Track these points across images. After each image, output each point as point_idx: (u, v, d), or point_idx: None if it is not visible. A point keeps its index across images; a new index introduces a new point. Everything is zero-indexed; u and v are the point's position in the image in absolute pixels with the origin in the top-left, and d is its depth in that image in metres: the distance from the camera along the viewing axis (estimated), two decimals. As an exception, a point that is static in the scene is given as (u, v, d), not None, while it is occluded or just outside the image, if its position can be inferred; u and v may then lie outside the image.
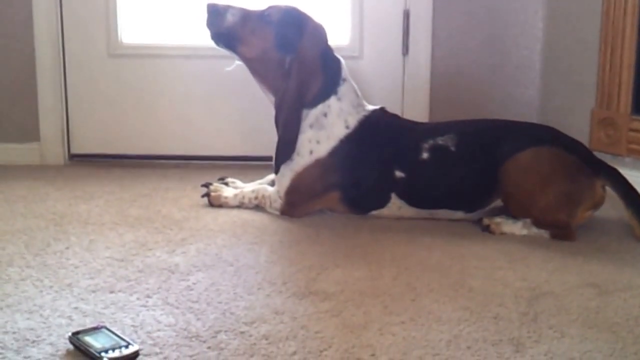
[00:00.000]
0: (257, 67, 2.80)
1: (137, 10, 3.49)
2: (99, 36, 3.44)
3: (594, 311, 2.03)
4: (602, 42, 3.22)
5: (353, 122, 2.77)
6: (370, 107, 2.85)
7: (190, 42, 3.45)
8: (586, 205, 2.61)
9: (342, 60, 2.83)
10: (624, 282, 2.23)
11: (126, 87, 3.47)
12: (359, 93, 2.84)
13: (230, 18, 2.75)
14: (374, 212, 2.81)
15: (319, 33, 2.79)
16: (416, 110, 3.49)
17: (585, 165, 2.62)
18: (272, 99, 2.82)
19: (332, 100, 2.77)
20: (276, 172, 2.79)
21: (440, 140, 2.73)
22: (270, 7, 2.79)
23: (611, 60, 3.19)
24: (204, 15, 2.77)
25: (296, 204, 2.78)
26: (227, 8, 2.76)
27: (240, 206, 2.87)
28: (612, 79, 3.20)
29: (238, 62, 2.83)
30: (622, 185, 2.58)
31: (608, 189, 2.62)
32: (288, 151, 2.73)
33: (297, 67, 2.71)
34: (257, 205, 2.86)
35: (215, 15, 2.76)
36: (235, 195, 2.89)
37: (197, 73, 3.46)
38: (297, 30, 2.74)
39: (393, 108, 3.01)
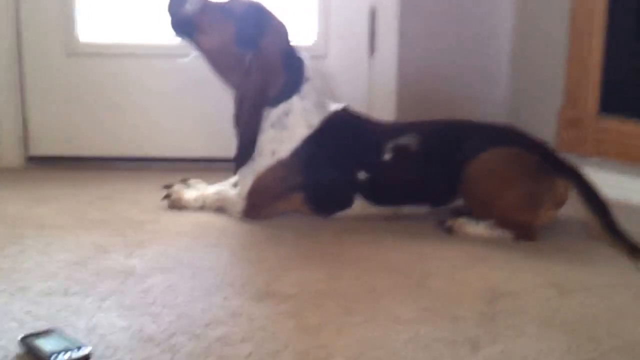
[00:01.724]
0: (216, 60, 2.80)
1: (95, 8, 3.47)
2: (56, 35, 3.43)
3: (552, 311, 2.08)
4: (570, 42, 3.27)
5: (316, 121, 2.80)
6: (333, 107, 2.88)
7: (151, 41, 3.45)
8: (548, 205, 2.65)
9: (306, 59, 2.85)
10: (583, 282, 2.28)
11: (85, 88, 3.47)
12: (323, 92, 2.87)
13: (189, 7, 2.75)
14: (338, 214, 2.84)
15: (281, 31, 2.81)
16: (383, 111, 3.52)
17: (547, 165, 2.66)
18: (232, 91, 2.84)
19: (295, 100, 2.79)
20: (235, 173, 2.82)
21: (402, 140, 2.77)
22: (232, 0, 2.80)
23: (578, 60, 3.24)
24: (165, 2, 2.78)
25: (258, 205, 2.81)
26: None
27: (201, 208, 2.89)
28: (580, 79, 3.25)
29: (195, 54, 2.84)
30: (584, 186, 2.62)
31: (570, 188, 2.66)
32: (248, 152, 2.76)
33: (257, 65, 2.73)
34: (219, 208, 2.89)
35: (175, 2, 2.77)
36: (197, 197, 2.90)
37: (159, 72, 3.45)
38: (259, 26, 2.75)
39: (359, 108, 3.03)
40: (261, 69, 2.74)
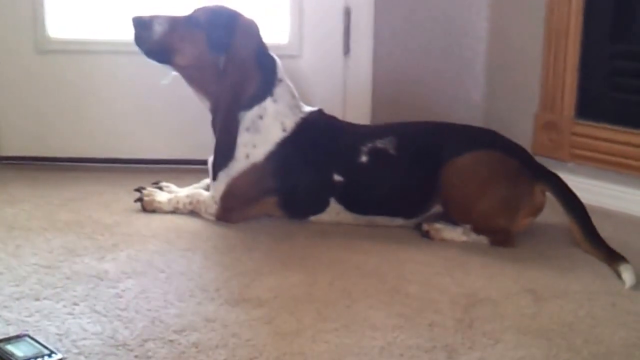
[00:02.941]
0: (193, 74, 2.80)
1: (66, 3, 3.44)
2: (26, 31, 3.39)
3: (530, 317, 2.09)
4: (545, 45, 3.29)
5: (290, 124, 2.80)
6: (308, 109, 2.87)
7: (124, 37, 3.41)
8: (526, 211, 2.67)
9: (278, 59, 2.85)
10: (561, 288, 2.29)
11: (56, 86, 3.44)
12: (296, 94, 2.87)
13: (158, 28, 2.73)
14: (313, 218, 2.84)
15: (251, 29, 2.80)
16: (358, 112, 3.52)
17: (525, 170, 2.67)
18: (208, 104, 2.83)
19: (268, 102, 2.79)
20: (214, 179, 2.81)
21: (379, 143, 2.77)
22: (196, 10, 2.78)
23: (554, 63, 3.26)
24: (131, 31, 2.76)
25: (232, 209, 2.81)
26: (153, 18, 2.74)
27: (174, 211, 2.88)
28: (556, 82, 3.26)
29: (174, 74, 2.83)
30: (563, 191, 2.64)
31: (548, 194, 2.68)
32: (227, 156, 2.75)
33: (231, 66, 2.72)
34: (192, 211, 2.88)
35: (142, 28, 2.74)
36: (170, 200, 2.90)
37: (132, 71, 3.41)
38: (228, 28, 2.73)
39: (334, 109, 3.04)
40: (235, 70, 2.73)
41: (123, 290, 2.18)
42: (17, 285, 2.19)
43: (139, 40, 2.76)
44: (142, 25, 2.75)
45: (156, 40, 2.74)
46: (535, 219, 2.73)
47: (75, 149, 3.49)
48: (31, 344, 1.81)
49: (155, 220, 2.80)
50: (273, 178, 2.78)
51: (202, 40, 2.74)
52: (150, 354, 1.84)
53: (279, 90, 2.81)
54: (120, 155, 3.51)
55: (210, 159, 2.83)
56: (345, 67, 3.57)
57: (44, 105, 3.46)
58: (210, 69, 2.76)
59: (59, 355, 1.77)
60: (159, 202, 2.89)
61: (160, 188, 3.01)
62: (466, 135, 2.80)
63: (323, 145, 2.81)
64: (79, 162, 3.50)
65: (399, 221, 2.82)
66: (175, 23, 2.76)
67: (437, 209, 2.77)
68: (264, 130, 2.77)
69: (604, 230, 2.60)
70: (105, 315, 2.02)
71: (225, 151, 2.75)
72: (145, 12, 2.78)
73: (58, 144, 3.48)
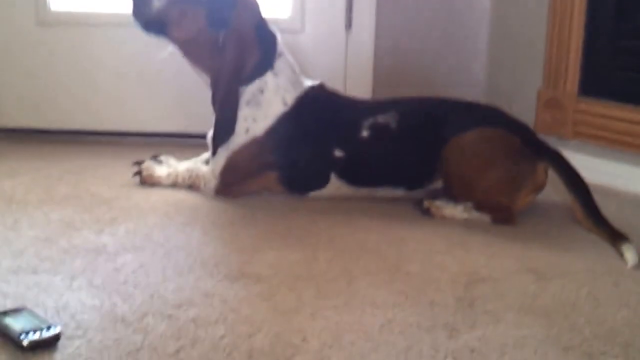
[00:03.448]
0: (191, 49, 2.77)
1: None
2: (26, 3, 3.39)
3: (531, 297, 2.08)
4: (550, 20, 3.27)
5: (291, 99, 2.78)
6: (309, 83, 2.86)
7: (126, 10, 3.39)
8: (528, 189, 2.65)
9: (278, 34, 2.83)
10: (562, 267, 2.28)
11: (57, 58, 3.43)
12: (297, 68, 2.85)
13: (156, 3, 2.71)
14: (313, 193, 2.84)
15: (252, 4, 2.78)
16: (359, 87, 3.51)
17: (527, 148, 2.66)
18: (207, 79, 2.82)
19: (269, 76, 2.77)
20: (214, 154, 2.79)
21: (381, 119, 2.76)
22: None
23: (559, 39, 3.24)
24: (129, 6, 2.73)
25: (231, 184, 2.80)
26: None
27: (173, 185, 2.87)
28: (560, 59, 3.25)
29: (171, 49, 2.80)
30: (565, 169, 2.62)
31: (551, 172, 2.67)
32: (227, 131, 2.73)
33: (231, 42, 2.70)
34: (191, 185, 2.87)
35: (140, 2, 2.72)
36: (169, 174, 2.89)
37: (132, 44, 3.41)
38: (228, 3, 2.71)
39: (335, 84, 3.03)
40: (235, 45, 2.71)
41: (122, 265, 2.17)
42: (15, 259, 2.18)
43: (137, 15, 2.73)
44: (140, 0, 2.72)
45: (154, 14, 2.71)
46: (537, 197, 2.72)
47: (74, 121, 3.49)
48: (29, 317, 1.80)
49: (154, 194, 2.79)
50: (273, 153, 2.77)
51: (202, 16, 2.71)
52: (149, 328, 1.83)
53: (279, 64, 2.80)
54: (120, 128, 3.51)
55: (210, 133, 2.82)
56: (347, 41, 3.55)
57: (44, 77, 3.45)
58: (210, 44, 2.73)
59: (57, 329, 1.76)
60: (158, 176, 2.88)
61: (160, 162, 2.99)
62: (468, 112, 2.79)
63: (324, 120, 2.80)
64: (78, 134, 3.50)
65: (400, 192, 2.81)
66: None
67: (437, 184, 2.77)
68: (264, 104, 2.76)
69: (607, 209, 2.59)
70: (103, 290, 2.01)
71: (225, 126, 2.73)
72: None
73: (57, 116, 3.47)
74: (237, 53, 2.71)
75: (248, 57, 2.74)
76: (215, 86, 2.77)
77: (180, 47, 2.78)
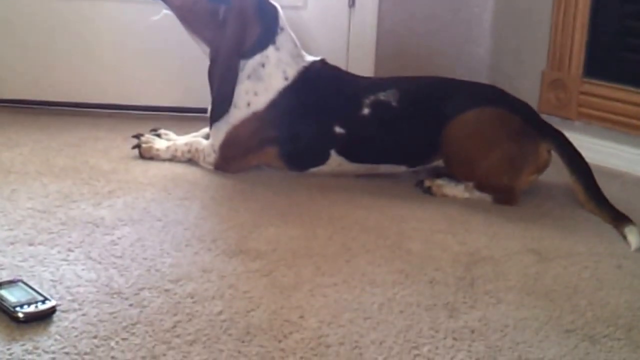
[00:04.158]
0: (188, 17, 2.75)
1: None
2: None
3: (533, 278, 2.06)
4: (555, 1, 3.24)
5: (292, 73, 2.76)
6: (311, 58, 2.83)
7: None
8: (530, 169, 2.63)
9: (279, 8, 2.80)
10: (565, 249, 2.26)
11: (56, 30, 3.40)
12: (298, 43, 2.82)
13: None
14: (313, 169, 2.81)
15: None
16: (361, 65, 3.48)
17: (530, 128, 2.64)
18: (206, 49, 2.79)
19: (270, 50, 2.75)
20: (211, 128, 2.77)
21: (382, 96, 2.73)
22: None
23: (564, 20, 3.21)
24: None
25: (231, 158, 2.77)
26: None
27: (172, 159, 2.84)
28: (564, 39, 3.22)
29: (166, 12, 2.77)
30: (568, 150, 2.60)
31: (553, 153, 2.65)
32: (224, 105, 2.71)
33: (232, 17, 2.68)
34: (190, 159, 2.84)
35: None
36: (168, 147, 2.86)
37: (132, 17, 3.38)
38: None
39: (337, 62, 2.99)
40: (236, 20, 2.69)
41: (119, 238, 2.15)
42: (11, 230, 2.16)
43: None
44: None
45: None
46: (540, 178, 2.70)
47: (74, 94, 3.45)
48: (24, 289, 1.78)
49: (153, 167, 2.76)
50: (274, 127, 2.75)
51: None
52: (145, 302, 1.81)
53: (281, 39, 2.77)
54: (119, 102, 3.47)
55: (209, 108, 2.80)
56: (350, 19, 3.52)
57: (44, 49, 3.41)
58: (208, 16, 2.71)
59: (53, 302, 1.74)
60: (157, 150, 2.86)
61: (159, 135, 2.97)
62: (471, 92, 2.76)
63: (325, 96, 2.78)
64: (78, 107, 3.46)
65: (402, 168, 2.80)
66: None
67: (439, 162, 2.74)
68: (266, 78, 2.73)
69: (610, 191, 2.57)
70: (100, 263, 1.99)
71: (223, 101, 2.70)
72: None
73: (57, 88, 3.44)
74: (237, 27, 2.69)
75: (249, 31, 2.72)
76: (213, 61, 2.74)
77: (176, 12, 2.76)
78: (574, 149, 2.60)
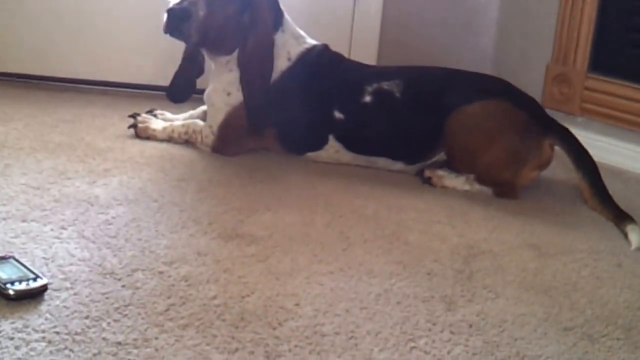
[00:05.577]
0: (213, 37, 2.68)
1: None
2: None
3: (532, 273, 2.05)
4: (563, -4, 3.23)
5: (294, 53, 2.76)
6: (313, 42, 2.83)
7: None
8: (533, 164, 2.62)
9: None
10: (565, 245, 2.25)
11: (55, 4, 3.37)
12: (297, 27, 2.83)
13: (200, 13, 2.60)
14: (310, 154, 2.79)
15: None
16: (364, 53, 3.45)
17: (534, 122, 2.62)
18: (222, 60, 2.76)
19: (279, 34, 2.75)
20: (250, 113, 2.71)
21: (385, 85, 2.72)
22: None
23: (571, 15, 3.19)
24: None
25: (230, 140, 2.75)
26: (191, 4, 2.59)
27: (169, 140, 2.82)
28: (570, 34, 3.20)
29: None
30: (573, 146, 2.59)
31: (557, 148, 2.63)
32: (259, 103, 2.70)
33: (257, 16, 2.67)
34: (187, 140, 2.82)
35: (176, 19, 2.60)
36: (164, 128, 2.84)
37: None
38: None
39: (340, 49, 2.98)
40: (261, 16, 2.68)
41: (113, 217, 2.13)
42: (4, 205, 2.14)
43: (174, 31, 2.63)
44: (183, 15, 2.59)
45: (200, 28, 2.62)
46: (542, 173, 2.69)
47: (71, 69, 3.43)
48: (16, 266, 1.76)
49: (149, 148, 2.74)
50: (273, 109, 2.72)
51: (233, 9, 2.67)
52: (138, 284, 1.79)
53: (286, 22, 2.78)
54: (116, 79, 3.45)
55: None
56: (355, 7, 3.51)
57: (41, 23, 3.38)
58: (235, 26, 2.69)
59: (44, 280, 1.73)
60: (154, 130, 2.83)
61: (155, 116, 2.94)
62: (475, 84, 2.74)
63: (326, 79, 2.77)
64: (75, 83, 3.44)
65: (399, 165, 2.77)
66: (210, 4, 2.63)
67: (440, 156, 2.72)
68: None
69: (612, 189, 2.56)
70: (93, 242, 1.98)
71: (258, 98, 2.69)
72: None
73: (54, 63, 3.41)
74: (264, 23, 2.69)
75: (268, 20, 2.72)
76: (247, 61, 2.70)
77: (199, 39, 2.67)
78: (580, 145, 2.59)
